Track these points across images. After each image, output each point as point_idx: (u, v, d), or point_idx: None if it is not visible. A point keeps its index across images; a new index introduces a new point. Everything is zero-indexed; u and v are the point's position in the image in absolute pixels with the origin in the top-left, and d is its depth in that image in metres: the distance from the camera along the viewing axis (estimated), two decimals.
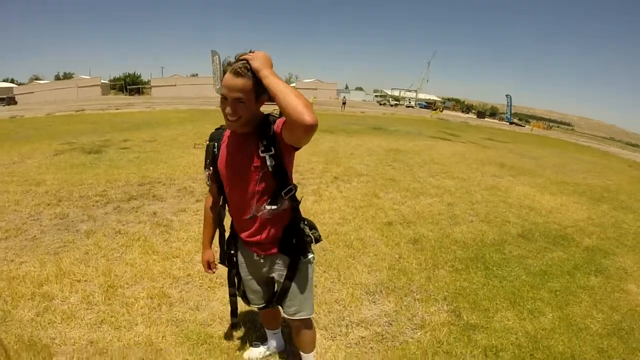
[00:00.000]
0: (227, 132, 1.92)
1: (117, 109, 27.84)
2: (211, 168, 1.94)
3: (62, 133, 13.81)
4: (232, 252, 2.15)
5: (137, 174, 7.29)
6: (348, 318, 3.18)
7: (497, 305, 3.52)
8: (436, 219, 5.73)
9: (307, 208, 5.66)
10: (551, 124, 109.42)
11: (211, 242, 2.24)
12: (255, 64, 1.55)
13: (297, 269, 2.03)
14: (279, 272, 2.04)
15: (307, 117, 1.42)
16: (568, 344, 3.06)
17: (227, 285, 2.30)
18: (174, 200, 5.86)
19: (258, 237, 1.94)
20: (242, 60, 1.59)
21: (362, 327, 3.09)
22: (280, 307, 2.22)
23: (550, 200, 7.65)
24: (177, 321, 3.00)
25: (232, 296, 2.32)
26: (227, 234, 2.18)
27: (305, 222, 2.02)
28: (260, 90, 1.63)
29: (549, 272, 4.33)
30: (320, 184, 7.27)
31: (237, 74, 1.59)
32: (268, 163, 1.74)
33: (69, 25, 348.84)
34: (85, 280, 3.53)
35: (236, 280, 2.24)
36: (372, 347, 2.87)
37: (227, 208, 2.06)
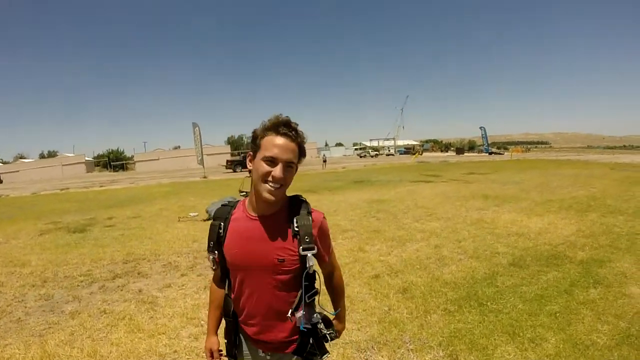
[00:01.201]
0: (239, 210, 1.67)
1: (101, 186, 27.79)
2: (216, 252, 1.68)
3: (47, 212, 13.76)
4: (239, 344, 1.83)
5: (122, 252, 7.21)
6: None
7: (496, 340, 3.44)
8: (424, 264, 5.68)
9: None
10: (529, 146, 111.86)
11: (217, 328, 1.90)
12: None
13: None
14: None
15: None
16: None
17: None
18: (159, 276, 5.76)
19: (272, 337, 1.69)
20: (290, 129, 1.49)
21: None
22: None
23: (537, 222, 7.71)
24: None
25: None
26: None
27: (321, 320, 1.72)
28: (299, 161, 1.55)
29: (546, 295, 4.28)
30: None
31: (290, 137, 1.49)
32: (309, 264, 1.55)
33: (52, 103, 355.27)
34: None
35: None
36: None
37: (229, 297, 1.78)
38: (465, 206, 10.18)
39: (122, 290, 5.23)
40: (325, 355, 1.72)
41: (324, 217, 1.66)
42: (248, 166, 1.59)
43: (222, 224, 1.65)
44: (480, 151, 77.51)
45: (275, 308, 1.62)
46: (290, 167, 1.50)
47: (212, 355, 1.89)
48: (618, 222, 6.99)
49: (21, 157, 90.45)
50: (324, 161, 41.10)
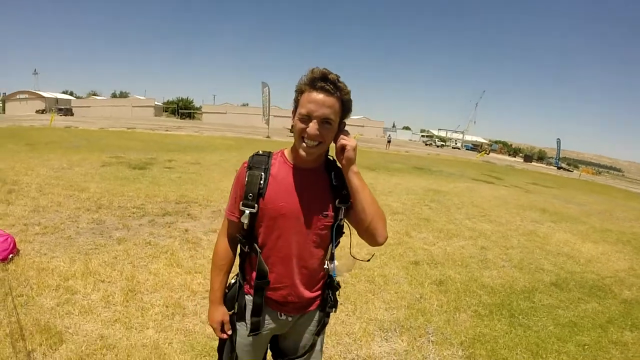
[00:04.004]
0: (278, 161, 1.60)
1: (166, 131, 29.12)
2: (255, 206, 1.53)
3: (111, 147, 14.62)
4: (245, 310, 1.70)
5: (176, 193, 7.56)
6: (355, 352, 3.12)
7: (517, 355, 3.33)
8: (466, 262, 5.56)
9: None
10: (600, 169, 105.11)
11: (223, 297, 1.72)
12: (352, 154, 1.47)
13: (326, 324, 1.81)
14: (311, 330, 1.77)
15: (381, 239, 1.51)
16: None
17: None
18: (206, 221, 6.02)
19: (301, 296, 1.64)
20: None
21: None
22: None
23: (591, 248, 7.29)
24: (186, 331, 3.08)
25: None
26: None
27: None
28: (342, 117, 1.49)
29: (580, 325, 4.08)
30: None
31: (327, 92, 1.41)
32: (340, 216, 1.59)
33: (128, 44, 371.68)
34: (108, 282, 3.72)
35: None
36: None
37: (258, 258, 1.58)
38: (520, 215, 9.76)
39: (169, 227, 5.52)
40: (334, 309, 1.78)
41: None
42: (292, 122, 1.54)
43: (262, 174, 1.55)
44: (550, 163, 73.76)
45: (311, 262, 1.61)
46: (327, 124, 1.43)
47: (222, 328, 1.71)
48: None
49: (94, 94, 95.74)
50: (389, 141, 40.27)
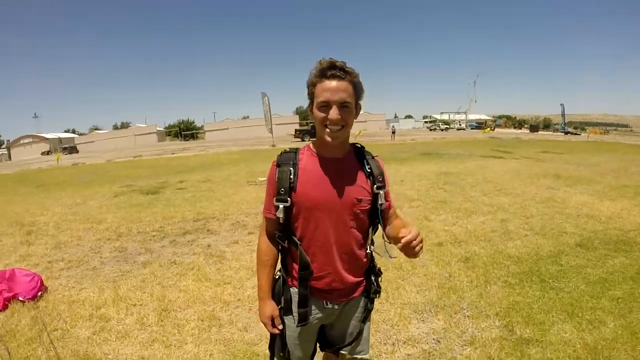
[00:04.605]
0: (305, 155, 1.66)
1: (172, 154, 29.37)
2: (289, 199, 1.58)
3: (121, 177, 14.78)
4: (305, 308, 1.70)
5: (192, 211, 7.63)
6: (395, 336, 3.14)
7: (553, 317, 3.34)
8: (489, 236, 5.56)
9: None
10: (608, 128, 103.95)
11: (271, 291, 1.75)
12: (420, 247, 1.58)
13: (371, 310, 1.85)
14: (357, 317, 1.81)
15: None
16: (631, 353, 2.84)
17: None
18: (227, 234, 6.08)
19: (345, 282, 1.69)
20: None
21: (409, 345, 3.04)
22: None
23: (610, 206, 7.24)
24: (225, 341, 3.11)
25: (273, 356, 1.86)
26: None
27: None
28: (357, 99, 1.56)
29: (610, 280, 4.06)
30: None
31: (339, 77, 1.49)
32: (380, 201, 1.64)
33: (124, 76, 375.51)
34: (140, 305, 3.77)
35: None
36: None
37: (299, 250, 1.62)
38: (535, 184, 9.71)
39: (191, 244, 5.59)
40: (378, 295, 1.81)
41: None
42: (310, 118, 1.63)
43: (291, 169, 1.60)
44: (556, 130, 73.26)
45: (351, 248, 1.66)
46: (346, 107, 1.51)
47: (273, 323, 1.72)
48: None
49: (96, 129, 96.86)
50: (393, 132, 40.04)
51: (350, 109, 1.52)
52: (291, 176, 1.58)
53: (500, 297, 3.75)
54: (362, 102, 1.61)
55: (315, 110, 1.54)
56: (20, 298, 3.83)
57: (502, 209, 7.13)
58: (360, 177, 1.64)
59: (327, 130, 1.52)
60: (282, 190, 1.58)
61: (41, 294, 4.00)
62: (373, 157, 1.71)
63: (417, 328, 3.27)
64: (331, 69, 1.48)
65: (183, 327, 3.32)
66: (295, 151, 1.67)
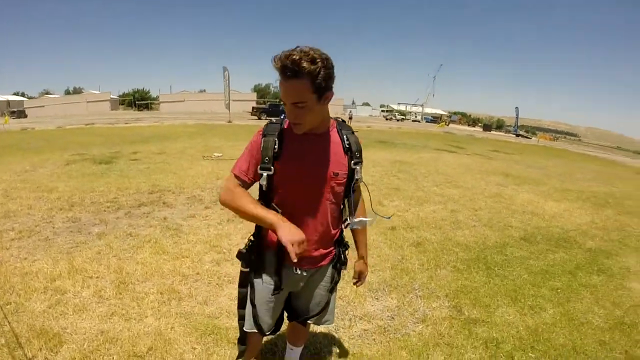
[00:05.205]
0: (288, 127, 1.65)
1: (126, 123, 28.14)
2: (272, 168, 1.60)
3: (73, 144, 14.07)
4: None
5: (147, 183, 7.44)
6: (351, 312, 3.28)
7: (498, 301, 3.61)
8: (439, 224, 5.83)
9: None
10: (557, 135, 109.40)
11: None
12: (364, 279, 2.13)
13: (337, 281, 1.96)
14: (324, 286, 1.91)
15: None
16: (569, 337, 3.13)
17: (234, 283, 2.14)
18: (183, 207, 5.99)
19: (316, 251, 1.77)
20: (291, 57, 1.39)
21: (365, 320, 3.19)
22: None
23: (553, 206, 7.74)
24: (185, 314, 3.12)
25: (243, 320, 1.90)
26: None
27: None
28: (322, 88, 1.47)
29: (551, 272, 4.41)
30: None
31: (290, 77, 1.42)
32: (357, 176, 1.73)
33: (79, 40, 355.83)
34: (97, 277, 3.67)
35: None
36: (374, 339, 2.96)
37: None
38: (485, 180, 10.18)
39: (147, 217, 5.47)
40: (344, 267, 1.95)
41: None
42: None
43: (276, 139, 1.62)
44: (508, 131, 76.33)
45: (326, 220, 1.73)
46: (299, 107, 1.48)
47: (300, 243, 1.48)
48: (632, 224, 6.93)
49: (47, 93, 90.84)
50: (350, 118, 40.16)
51: (304, 106, 1.48)
52: (275, 146, 1.61)
53: (449, 280, 4.00)
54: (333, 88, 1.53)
55: None
56: None
57: (453, 200, 7.45)
58: (339, 151, 1.69)
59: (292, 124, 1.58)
60: (267, 159, 1.60)
61: None
62: (352, 133, 1.77)
63: (372, 305, 3.43)
64: (283, 70, 1.42)
65: (142, 300, 3.28)
66: (280, 122, 1.69)
